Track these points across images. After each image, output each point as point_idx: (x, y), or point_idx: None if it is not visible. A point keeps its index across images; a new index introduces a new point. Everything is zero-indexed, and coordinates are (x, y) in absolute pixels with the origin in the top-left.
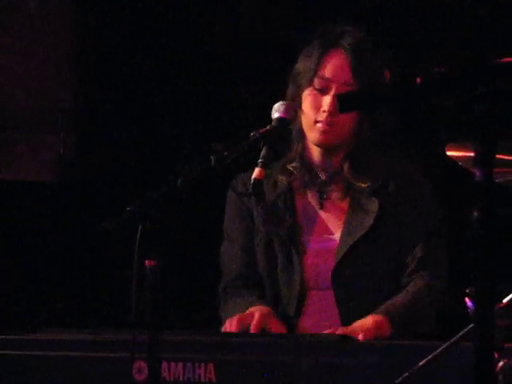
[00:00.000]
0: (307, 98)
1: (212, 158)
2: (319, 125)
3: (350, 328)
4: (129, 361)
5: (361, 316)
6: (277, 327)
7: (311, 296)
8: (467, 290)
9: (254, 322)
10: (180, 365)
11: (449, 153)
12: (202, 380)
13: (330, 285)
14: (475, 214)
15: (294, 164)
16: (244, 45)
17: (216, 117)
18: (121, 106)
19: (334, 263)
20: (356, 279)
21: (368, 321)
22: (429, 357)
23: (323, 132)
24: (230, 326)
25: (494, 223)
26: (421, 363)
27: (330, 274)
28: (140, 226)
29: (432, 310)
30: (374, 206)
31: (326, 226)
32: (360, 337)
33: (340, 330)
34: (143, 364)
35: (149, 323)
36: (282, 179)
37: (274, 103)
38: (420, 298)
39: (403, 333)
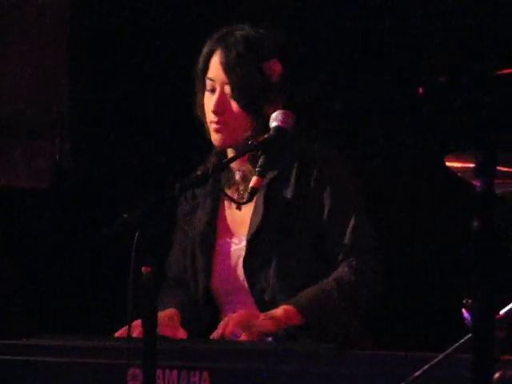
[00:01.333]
0: (205, 101)
1: (209, 165)
2: (212, 125)
3: (262, 316)
4: (124, 368)
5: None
6: (173, 332)
7: (227, 303)
8: (464, 301)
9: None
10: (175, 372)
11: (448, 164)
12: None
13: (245, 288)
14: (475, 224)
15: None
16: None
17: None
18: (117, 111)
19: (242, 265)
20: (266, 275)
21: (278, 311)
22: (425, 367)
23: (216, 131)
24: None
25: (494, 234)
26: (417, 373)
27: (240, 278)
28: (137, 233)
29: (347, 300)
30: (263, 197)
31: (236, 228)
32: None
33: (244, 317)
34: (138, 371)
35: (144, 330)
36: (207, 185)
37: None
38: (338, 289)
39: (316, 322)
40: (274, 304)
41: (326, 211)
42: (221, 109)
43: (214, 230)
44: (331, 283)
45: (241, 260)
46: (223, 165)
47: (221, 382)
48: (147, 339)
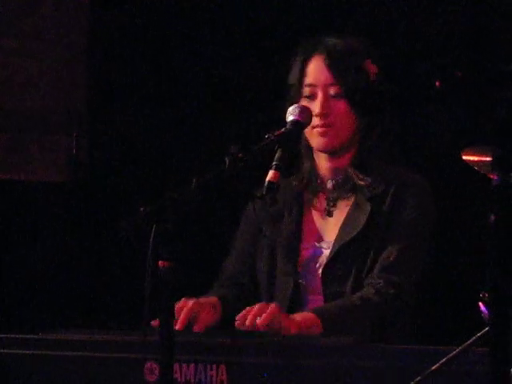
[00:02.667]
0: None
1: (226, 159)
2: (316, 129)
3: (278, 318)
4: (140, 362)
5: None
6: (206, 317)
7: (304, 301)
8: (481, 295)
9: (185, 309)
10: (192, 366)
11: (465, 157)
12: (214, 381)
13: (319, 290)
14: (492, 218)
15: (302, 179)
16: (261, 47)
17: (231, 118)
18: (134, 106)
19: (323, 266)
20: (343, 281)
21: (298, 316)
22: (442, 361)
23: (321, 134)
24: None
25: (511, 227)
26: (434, 367)
27: (317, 278)
28: (154, 227)
29: (368, 319)
30: (367, 211)
31: (326, 233)
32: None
33: (264, 320)
34: (155, 365)
35: (161, 324)
36: (289, 194)
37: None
38: (360, 305)
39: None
40: None
41: (396, 224)
42: (326, 111)
43: (300, 235)
44: (356, 301)
45: (323, 264)
46: (240, 159)
47: (238, 375)
48: (164, 333)
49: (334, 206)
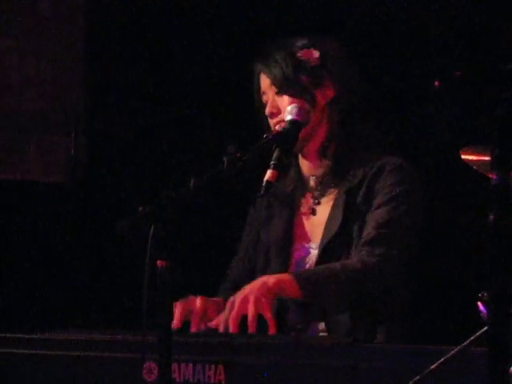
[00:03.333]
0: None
1: (225, 159)
2: (276, 127)
3: (253, 283)
4: (139, 361)
5: (344, 317)
6: (213, 314)
7: None
8: (480, 294)
9: (196, 308)
10: (190, 366)
11: (464, 157)
12: (212, 381)
13: None
14: (491, 217)
15: (290, 183)
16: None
17: (228, 118)
18: (132, 106)
19: (314, 264)
20: None
21: (272, 277)
22: (440, 360)
23: None
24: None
25: (510, 227)
26: (432, 367)
27: None
28: (152, 227)
29: (348, 284)
30: (342, 205)
31: (313, 233)
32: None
33: (241, 294)
34: (153, 365)
35: (159, 324)
36: (282, 192)
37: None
38: (341, 270)
39: (312, 297)
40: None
41: (375, 205)
42: (274, 110)
43: (291, 236)
44: (336, 265)
45: (313, 265)
46: (239, 159)
47: (236, 375)
48: (162, 333)
49: (319, 203)
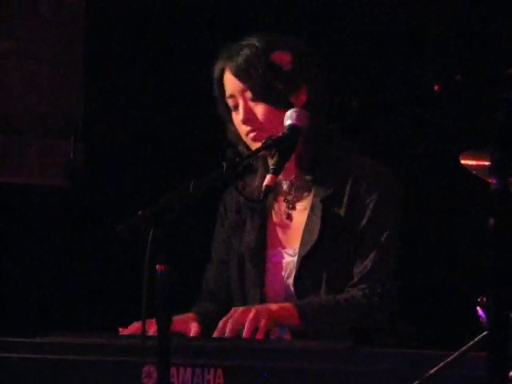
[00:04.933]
0: (234, 119)
1: (224, 163)
2: (249, 136)
3: (252, 312)
4: (138, 365)
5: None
6: (179, 326)
7: None
8: (479, 299)
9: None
10: (189, 370)
11: (463, 161)
12: None
13: (292, 298)
14: (491, 222)
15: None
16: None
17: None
18: (130, 110)
19: (293, 279)
20: (315, 290)
21: (274, 305)
22: (440, 365)
23: (255, 139)
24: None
25: (509, 232)
26: (432, 371)
27: (290, 289)
28: (152, 231)
29: (350, 320)
30: (320, 215)
31: (289, 239)
32: (261, 323)
33: (241, 311)
34: (152, 368)
35: (158, 327)
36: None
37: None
38: (345, 306)
39: (312, 330)
40: None
41: (360, 229)
42: (250, 116)
43: (265, 242)
44: (342, 300)
45: (293, 273)
46: (238, 163)
47: (235, 379)
48: (161, 337)
49: (293, 208)
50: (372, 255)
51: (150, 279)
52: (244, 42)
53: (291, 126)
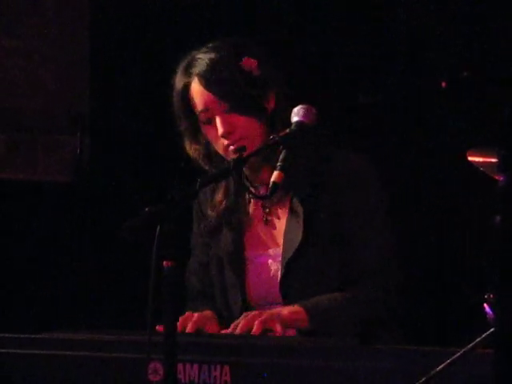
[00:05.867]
0: (207, 134)
1: (230, 160)
2: (229, 149)
3: (265, 315)
4: (144, 362)
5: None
6: (213, 329)
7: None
8: (486, 296)
9: (191, 322)
10: (195, 366)
11: (470, 158)
12: (218, 382)
13: (280, 301)
14: (497, 219)
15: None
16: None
17: None
18: (137, 106)
19: (279, 282)
20: (304, 292)
21: (285, 310)
22: (446, 362)
23: (239, 151)
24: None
25: None
26: (438, 369)
27: (276, 292)
28: (158, 227)
29: (356, 318)
30: (301, 216)
31: (269, 241)
32: (277, 328)
33: (250, 317)
34: (159, 365)
35: (165, 324)
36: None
37: (293, 107)
38: (350, 304)
39: (321, 329)
40: None
41: (351, 227)
42: (229, 129)
43: (242, 244)
44: (344, 298)
45: (278, 273)
46: (244, 160)
47: (241, 376)
48: (168, 333)
49: (270, 213)
50: (368, 251)
51: (156, 276)
52: (208, 51)
53: (298, 123)
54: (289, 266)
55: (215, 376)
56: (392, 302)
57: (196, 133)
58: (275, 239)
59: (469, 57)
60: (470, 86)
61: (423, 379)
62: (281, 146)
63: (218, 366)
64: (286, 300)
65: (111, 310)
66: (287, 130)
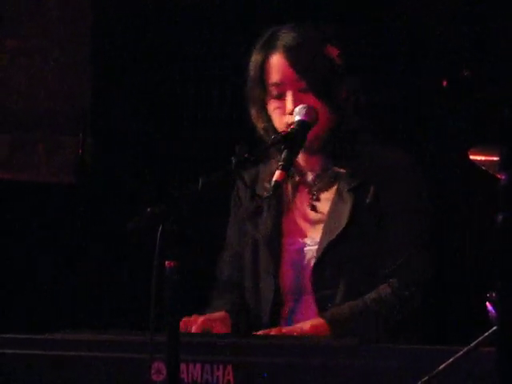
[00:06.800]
0: (271, 108)
1: (233, 159)
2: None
3: (286, 330)
4: (147, 362)
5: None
6: (221, 331)
7: (289, 300)
8: (488, 295)
9: (195, 326)
10: (198, 366)
11: (472, 157)
12: (220, 382)
13: (309, 289)
14: (500, 217)
15: None
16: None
17: (237, 119)
18: (139, 106)
19: (312, 267)
20: (335, 281)
21: (306, 325)
22: (449, 361)
23: None
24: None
25: None
26: (441, 367)
27: (307, 278)
28: (161, 227)
29: (381, 321)
30: (349, 204)
31: (310, 229)
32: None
33: (274, 332)
34: (161, 365)
35: (168, 324)
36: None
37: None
38: (375, 308)
39: (344, 335)
40: None
41: (390, 219)
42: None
43: (281, 231)
44: (372, 302)
45: (312, 262)
46: (247, 159)
47: (244, 375)
48: (171, 333)
49: (318, 199)
50: (402, 245)
51: (159, 275)
52: (295, 29)
53: (300, 122)
54: (325, 253)
55: (218, 376)
56: (415, 303)
57: (263, 105)
58: (316, 228)
59: (469, 57)
60: (470, 84)
61: (426, 378)
62: (282, 146)
63: (221, 366)
64: (316, 288)
65: (114, 310)
66: (289, 129)
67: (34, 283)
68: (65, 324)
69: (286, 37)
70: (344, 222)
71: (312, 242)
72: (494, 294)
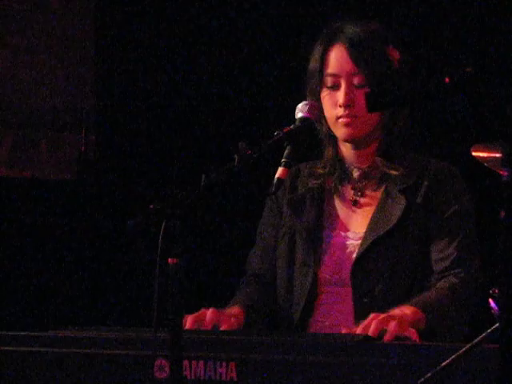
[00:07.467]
0: (324, 99)
1: (235, 156)
2: (341, 120)
3: (382, 317)
4: (150, 359)
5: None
6: (229, 327)
7: (325, 292)
8: (491, 291)
9: (205, 321)
10: (201, 363)
11: (475, 153)
12: (224, 379)
13: (347, 281)
14: (502, 214)
15: (325, 166)
16: (266, 44)
17: (239, 116)
18: (141, 104)
19: (354, 259)
20: (376, 276)
21: (405, 310)
22: (451, 358)
23: (346, 125)
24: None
25: None
26: (443, 364)
27: (347, 270)
28: (163, 224)
29: (466, 307)
30: (401, 204)
31: (353, 223)
32: (391, 325)
33: (359, 329)
34: (165, 362)
35: (171, 321)
36: (313, 181)
37: (298, 103)
38: (455, 296)
39: (437, 327)
40: (370, 308)
41: (438, 223)
42: (350, 101)
43: (322, 222)
44: (446, 291)
45: (353, 255)
46: (249, 157)
47: (247, 372)
48: (174, 330)
49: (362, 195)
50: (458, 242)
51: (161, 273)
52: (361, 24)
53: (303, 119)
54: (369, 248)
55: (221, 373)
56: (478, 296)
57: (318, 97)
58: (359, 222)
59: (469, 56)
60: (473, 81)
61: (429, 374)
62: (285, 142)
63: (224, 363)
64: (355, 282)
65: (116, 308)
66: (291, 126)
67: (35, 280)
68: (67, 321)
69: (351, 30)
70: (395, 219)
71: (355, 236)
72: (496, 291)
